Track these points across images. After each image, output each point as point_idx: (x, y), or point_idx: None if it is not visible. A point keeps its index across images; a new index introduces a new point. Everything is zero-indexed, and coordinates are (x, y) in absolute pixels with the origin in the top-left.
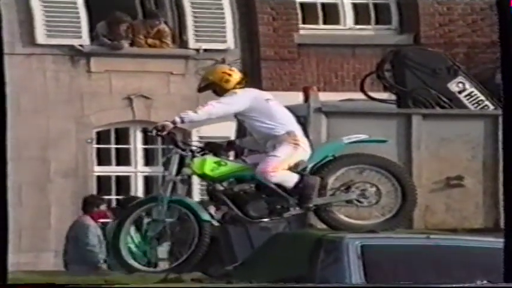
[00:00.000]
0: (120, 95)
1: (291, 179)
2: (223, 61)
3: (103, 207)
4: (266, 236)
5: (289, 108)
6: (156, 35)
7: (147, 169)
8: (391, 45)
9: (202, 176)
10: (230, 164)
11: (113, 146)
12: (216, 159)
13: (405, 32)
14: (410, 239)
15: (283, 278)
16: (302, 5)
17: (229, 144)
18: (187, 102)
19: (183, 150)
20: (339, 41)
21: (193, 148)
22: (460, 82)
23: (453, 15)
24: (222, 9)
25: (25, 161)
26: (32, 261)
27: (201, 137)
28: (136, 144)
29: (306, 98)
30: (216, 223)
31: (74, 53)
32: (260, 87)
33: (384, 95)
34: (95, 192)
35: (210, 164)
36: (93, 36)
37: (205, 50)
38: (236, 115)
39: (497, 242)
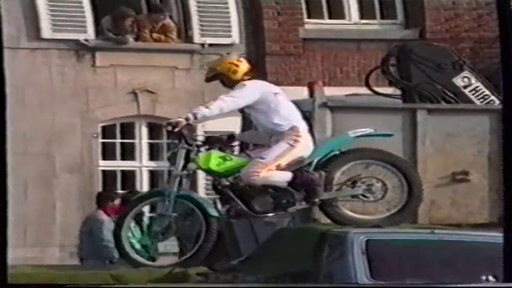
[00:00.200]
0: (125, 89)
1: (279, 178)
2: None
3: (117, 201)
4: (271, 231)
5: (295, 103)
6: (161, 30)
7: (152, 164)
8: (396, 40)
9: (208, 171)
10: (235, 159)
11: (118, 140)
12: (221, 154)
13: (411, 27)
14: (415, 233)
15: (287, 273)
16: None
17: (230, 138)
18: (192, 97)
19: (190, 145)
20: (344, 36)
21: (199, 143)
22: (466, 77)
23: (459, 10)
24: (227, 3)
25: (30, 155)
26: (38, 256)
27: (206, 132)
28: (142, 139)
29: (311, 93)
30: (222, 218)
31: (79, 48)
32: None
33: (389, 90)
34: (100, 186)
35: (215, 159)
36: (98, 31)
37: (210, 45)
38: (243, 108)
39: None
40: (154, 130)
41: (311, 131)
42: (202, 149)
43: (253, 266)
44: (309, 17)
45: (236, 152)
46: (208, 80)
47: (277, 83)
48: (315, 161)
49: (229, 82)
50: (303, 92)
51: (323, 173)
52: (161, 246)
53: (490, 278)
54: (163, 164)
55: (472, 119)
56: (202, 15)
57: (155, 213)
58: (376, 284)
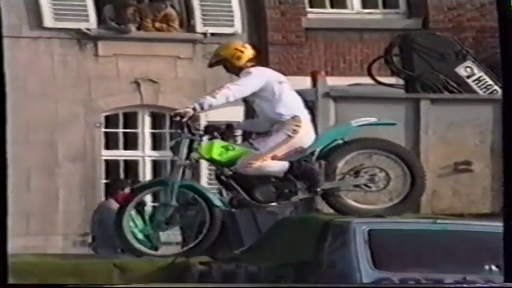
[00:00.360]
0: (128, 78)
1: (274, 168)
2: None
3: (127, 190)
4: (273, 220)
5: (298, 93)
6: (163, 19)
7: (154, 153)
8: (399, 29)
9: (210, 161)
10: (238, 148)
11: (121, 130)
12: (224, 143)
13: (413, 16)
14: (417, 223)
15: (290, 263)
16: None
17: (228, 128)
18: (195, 86)
19: (193, 135)
20: (346, 25)
21: (201, 133)
22: (468, 67)
23: None
24: None
25: (33, 144)
26: (41, 245)
27: (209, 122)
28: (144, 129)
29: (314, 83)
30: (225, 208)
31: (81, 37)
32: None
33: (392, 80)
34: (103, 176)
35: (217, 148)
36: (100, 20)
37: (213, 34)
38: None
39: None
40: (157, 119)
41: (313, 120)
42: (204, 138)
43: (255, 255)
44: (311, 7)
45: (239, 141)
46: (212, 65)
47: (279, 72)
48: (318, 150)
49: (233, 68)
50: (305, 82)
51: (323, 163)
52: (164, 236)
53: (493, 267)
54: (166, 154)
55: (475, 108)
56: (204, 5)
57: (158, 203)
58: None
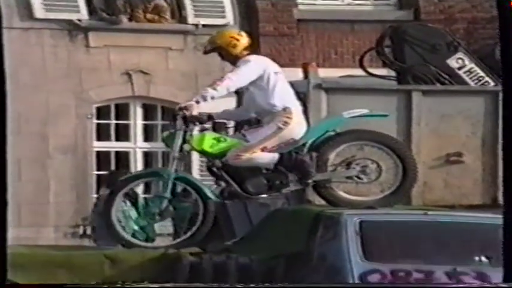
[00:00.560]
0: (119, 70)
1: (264, 160)
2: None
3: None
4: (265, 212)
5: (290, 84)
6: (154, 10)
7: (146, 145)
8: (390, 21)
9: (202, 152)
10: (229, 140)
11: (113, 121)
12: (216, 135)
13: (405, 8)
14: (408, 215)
15: (281, 254)
16: None
17: (209, 118)
18: (186, 78)
19: (187, 126)
20: (338, 17)
21: (193, 125)
22: (460, 58)
23: None
24: None
25: (24, 136)
26: (33, 236)
27: (200, 113)
28: (136, 120)
29: (306, 74)
30: (218, 200)
31: (72, 28)
32: None
33: (383, 71)
34: (94, 167)
35: (209, 140)
36: (91, 11)
37: (204, 26)
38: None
39: (495, 218)
40: (148, 111)
41: (305, 112)
42: (196, 130)
43: (247, 247)
44: None
45: (231, 133)
46: (207, 52)
47: None
48: (309, 142)
49: (228, 56)
50: (297, 73)
51: (314, 154)
52: (155, 227)
53: (483, 259)
54: (157, 145)
55: (467, 100)
56: None
57: (150, 194)
58: (370, 265)
